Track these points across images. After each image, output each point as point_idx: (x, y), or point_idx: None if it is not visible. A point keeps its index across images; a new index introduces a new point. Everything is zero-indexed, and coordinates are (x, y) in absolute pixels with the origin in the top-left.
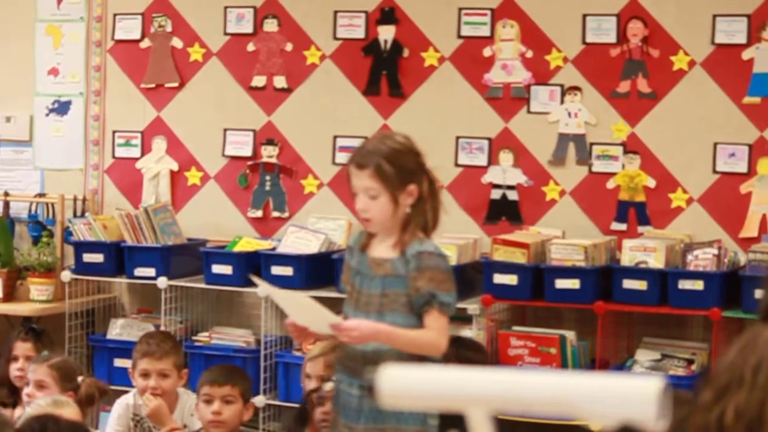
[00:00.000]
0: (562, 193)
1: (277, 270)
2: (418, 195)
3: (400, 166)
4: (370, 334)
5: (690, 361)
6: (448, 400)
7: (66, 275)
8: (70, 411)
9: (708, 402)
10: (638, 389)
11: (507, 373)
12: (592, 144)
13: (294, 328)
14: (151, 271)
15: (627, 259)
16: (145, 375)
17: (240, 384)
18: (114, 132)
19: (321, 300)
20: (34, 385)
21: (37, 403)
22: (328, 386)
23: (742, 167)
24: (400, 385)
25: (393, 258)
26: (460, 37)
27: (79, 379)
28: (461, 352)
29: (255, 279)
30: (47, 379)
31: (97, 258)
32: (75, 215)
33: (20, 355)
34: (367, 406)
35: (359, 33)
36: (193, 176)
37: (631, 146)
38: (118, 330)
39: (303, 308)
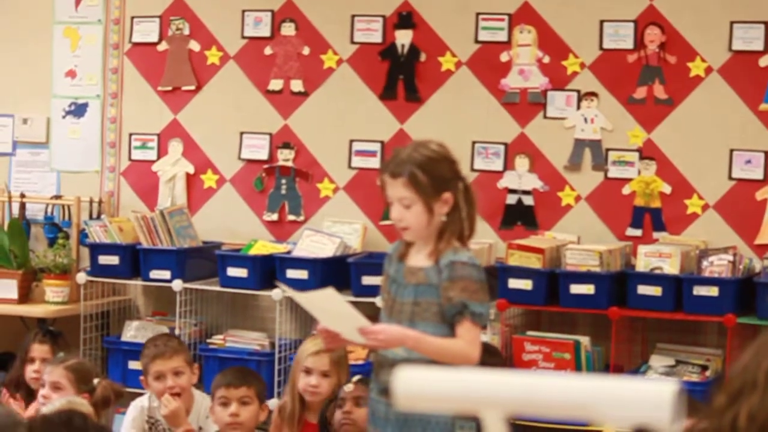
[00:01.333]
0: (577, 198)
1: (292, 273)
2: (453, 203)
3: (434, 174)
4: (397, 338)
5: (704, 368)
6: (463, 403)
7: (81, 277)
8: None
9: (721, 406)
10: (653, 393)
11: (523, 375)
12: (608, 150)
13: (326, 333)
14: (166, 274)
15: (642, 264)
16: (160, 377)
17: (255, 385)
18: (130, 134)
19: None
20: (50, 386)
21: (52, 404)
22: (349, 387)
23: (758, 174)
24: (416, 387)
25: (427, 267)
26: (477, 42)
27: (95, 381)
28: None
29: (280, 285)
30: (63, 380)
31: (113, 260)
32: (91, 217)
33: (37, 357)
34: (394, 414)
35: (376, 37)
36: (209, 179)
37: (647, 152)
38: (132, 332)
39: (332, 310)
